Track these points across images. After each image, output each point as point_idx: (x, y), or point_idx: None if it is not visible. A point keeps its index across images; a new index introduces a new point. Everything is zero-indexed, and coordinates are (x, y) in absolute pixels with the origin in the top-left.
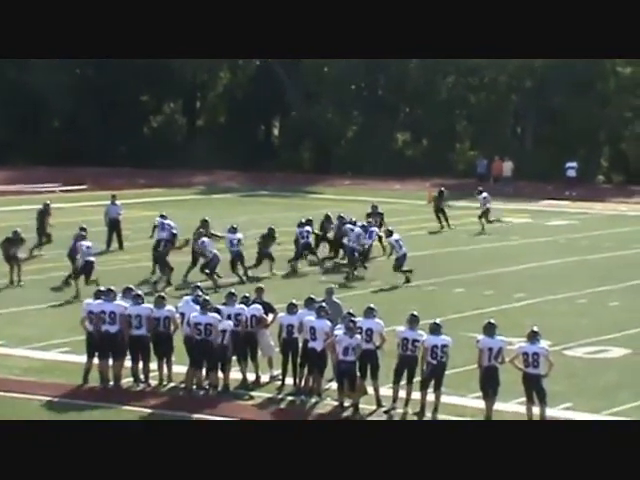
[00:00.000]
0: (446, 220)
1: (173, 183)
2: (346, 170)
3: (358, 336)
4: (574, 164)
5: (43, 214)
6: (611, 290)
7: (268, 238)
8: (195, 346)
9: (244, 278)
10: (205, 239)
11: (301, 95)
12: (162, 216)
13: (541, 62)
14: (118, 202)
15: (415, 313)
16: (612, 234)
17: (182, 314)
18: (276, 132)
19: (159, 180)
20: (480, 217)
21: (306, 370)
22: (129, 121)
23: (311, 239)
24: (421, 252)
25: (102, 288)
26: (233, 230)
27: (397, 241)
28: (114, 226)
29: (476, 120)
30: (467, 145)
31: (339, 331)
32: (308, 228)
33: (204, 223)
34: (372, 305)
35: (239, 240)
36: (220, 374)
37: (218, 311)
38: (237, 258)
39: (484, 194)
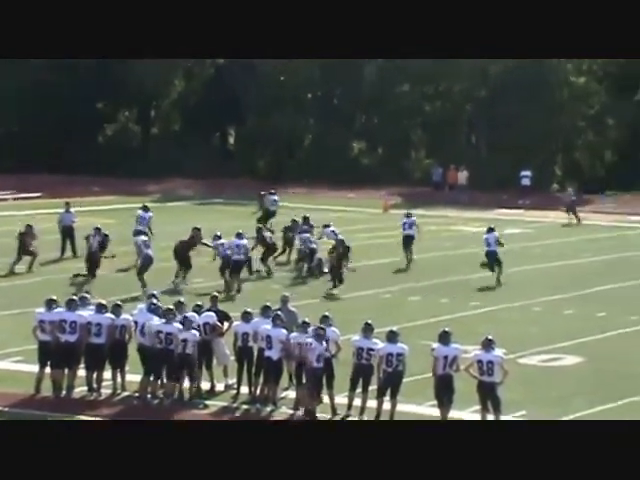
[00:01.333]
0: None
1: (128, 191)
2: (302, 178)
3: (324, 343)
4: (528, 173)
5: (24, 235)
6: (565, 298)
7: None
8: (155, 355)
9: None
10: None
11: (257, 103)
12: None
13: (495, 71)
14: (72, 210)
15: (369, 322)
16: (566, 243)
17: (136, 322)
18: (232, 140)
19: (114, 188)
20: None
21: (261, 379)
22: (84, 129)
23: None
24: (377, 260)
25: (54, 297)
26: (218, 237)
27: (332, 231)
28: (68, 234)
29: (431, 129)
30: (422, 153)
31: (309, 339)
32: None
33: (196, 231)
34: (327, 313)
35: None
36: (185, 383)
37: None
38: (227, 263)
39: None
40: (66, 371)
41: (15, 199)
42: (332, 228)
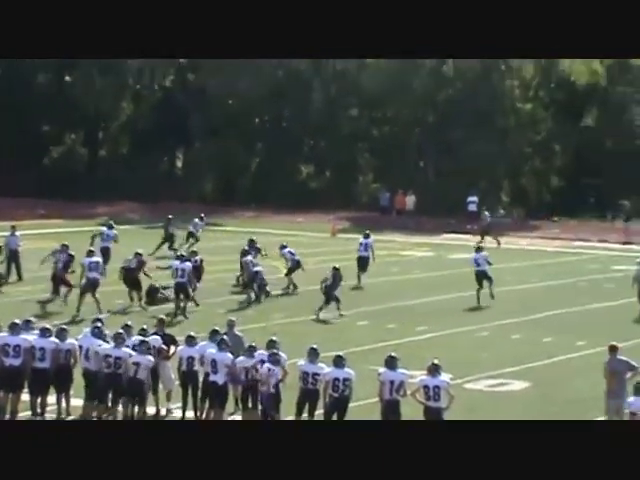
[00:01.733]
0: None
1: (74, 214)
2: (250, 202)
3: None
4: (475, 198)
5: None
6: (513, 323)
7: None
8: (102, 379)
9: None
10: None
11: (205, 126)
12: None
13: (443, 96)
14: (18, 233)
15: (315, 346)
16: (513, 268)
17: (80, 347)
18: (179, 163)
19: (60, 211)
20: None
21: (207, 404)
22: (30, 151)
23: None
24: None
25: (17, 321)
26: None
27: (289, 252)
28: (13, 257)
29: (379, 153)
30: (370, 178)
31: (269, 365)
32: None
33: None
34: (274, 338)
35: (184, 270)
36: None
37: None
38: (180, 288)
39: (483, 253)
40: (10, 395)
41: None
42: (289, 249)
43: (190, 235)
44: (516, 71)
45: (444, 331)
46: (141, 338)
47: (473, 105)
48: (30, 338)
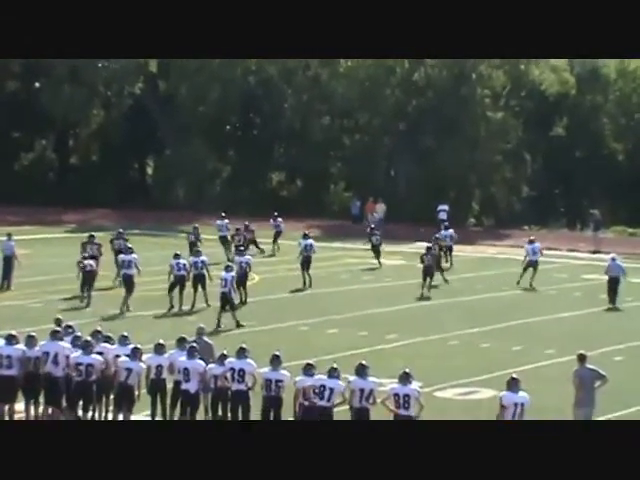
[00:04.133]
0: None
1: (44, 221)
2: (220, 209)
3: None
4: (445, 207)
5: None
6: (482, 332)
7: None
8: (74, 387)
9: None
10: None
11: (175, 133)
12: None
13: (414, 105)
14: (13, 240)
15: (278, 353)
16: (482, 276)
17: (47, 352)
18: (150, 170)
19: (29, 217)
20: (525, 269)
21: (178, 411)
22: (0, 158)
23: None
24: (295, 293)
25: None
26: (177, 256)
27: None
28: (7, 264)
29: (350, 162)
30: (341, 186)
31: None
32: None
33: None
34: (244, 345)
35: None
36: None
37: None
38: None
39: (536, 244)
40: None
41: None
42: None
43: (223, 240)
44: (487, 80)
45: (414, 339)
46: (134, 345)
47: (444, 114)
48: None
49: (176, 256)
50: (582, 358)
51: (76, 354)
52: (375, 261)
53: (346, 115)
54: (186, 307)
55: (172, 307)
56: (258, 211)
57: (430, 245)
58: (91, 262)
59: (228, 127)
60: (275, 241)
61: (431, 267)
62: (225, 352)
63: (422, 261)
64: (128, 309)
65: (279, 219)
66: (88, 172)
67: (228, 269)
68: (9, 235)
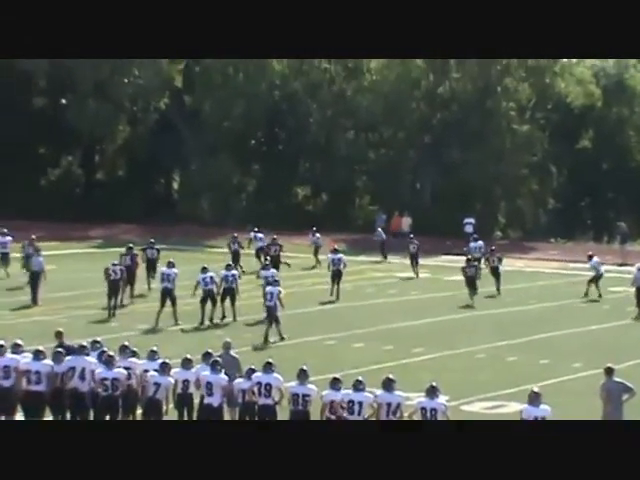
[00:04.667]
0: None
1: (70, 236)
2: (245, 224)
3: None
4: (471, 220)
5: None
6: (509, 345)
7: None
8: (100, 402)
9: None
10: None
11: (201, 149)
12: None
13: (438, 118)
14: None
15: (305, 368)
16: (509, 290)
17: (73, 368)
18: (176, 185)
19: (55, 233)
20: (590, 282)
21: None
22: (26, 174)
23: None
24: (322, 307)
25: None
26: (204, 270)
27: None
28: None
29: (375, 175)
30: (366, 200)
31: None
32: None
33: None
34: (270, 360)
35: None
36: None
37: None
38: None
39: (595, 259)
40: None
41: None
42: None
43: (259, 252)
44: (512, 93)
45: (441, 353)
46: (162, 360)
47: (469, 127)
48: (17, 358)
49: (204, 270)
50: (609, 371)
51: (100, 369)
52: (407, 274)
53: (371, 129)
54: (215, 320)
55: (202, 322)
56: (284, 226)
57: (469, 257)
58: (116, 269)
59: (253, 142)
60: (316, 255)
61: (473, 277)
62: (253, 367)
63: (465, 273)
64: (177, 322)
65: (317, 234)
66: (114, 187)
67: (274, 283)
68: (37, 251)
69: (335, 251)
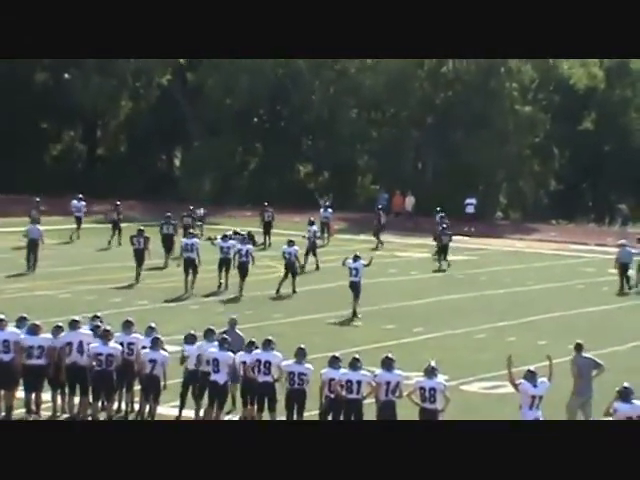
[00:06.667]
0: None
1: (69, 211)
2: (247, 202)
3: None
4: (473, 200)
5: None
6: (509, 325)
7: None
8: (94, 377)
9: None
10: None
11: (203, 126)
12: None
13: (442, 98)
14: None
15: (302, 346)
16: (510, 270)
17: (70, 343)
18: (177, 162)
19: (57, 208)
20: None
21: (206, 402)
22: (29, 148)
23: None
24: (322, 285)
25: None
26: (225, 238)
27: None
28: (32, 247)
29: (378, 154)
30: (368, 179)
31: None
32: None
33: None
34: (270, 337)
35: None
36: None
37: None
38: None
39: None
40: (2, 392)
41: None
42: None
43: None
44: (515, 74)
45: (440, 332)
46: (155, 335)
47: (472, 107)
48: (17, 332)
49: (224, 238)
50: (579, 347)
51: (95, 344)
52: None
53: (374, 107)
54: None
55: (220, 285)
56: (285, 203)
57: (446, 225)
58: (140, 239)
59: (256, 119)
60: (328, 232)
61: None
62: (254, 339)
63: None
64: (192, 292)
65: (329, 210)
66: (115, 163)
67: (357, 258)
68: (34, 220)
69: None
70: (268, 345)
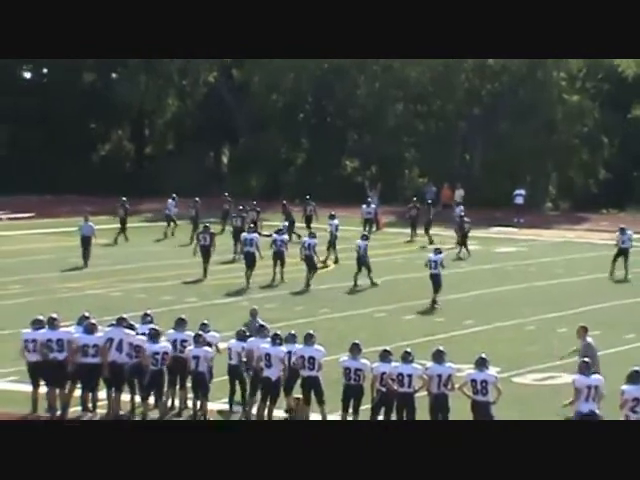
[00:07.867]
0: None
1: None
2: (294, 197)
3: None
4: (522, 191)
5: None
6: (559, 316)
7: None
8: (151, 377)
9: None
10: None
11: (250, 122)
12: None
13: (488, 89)
14: (90, 222)
15: (357, 342)
16: (560, 261)
17: (111, 339)
18: (225, 159)
19: (105, 207)
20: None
21: (259, 397)
22: (77, 148)
23: None
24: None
25: (40, 317)
26: (279, 231)
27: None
28: (85, 244)
29: (424, 147)
30: (416, 172)
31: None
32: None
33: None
34: (312, 331)
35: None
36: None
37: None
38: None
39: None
40: (58, 390)
41: (9, 219)
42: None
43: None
44: (563, 63)
45: (491, 325)
46: (197, 332)
47: (519, 97)
48: (71, 331)
49: (279, 231)
50: (585, 330)
51: (147, 344)
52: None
53: (420, 101)
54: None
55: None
56: (332, 198)
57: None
58: (206, 235)
59: (302, 115)
60: (377, 227)
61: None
62: (279, 332)
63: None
64: (248, 285)
65: (372, 205)
66: (163, 161)
67: (437, 251)
68: (86, 218)
69: (332, 217)
70: (309, 340)
